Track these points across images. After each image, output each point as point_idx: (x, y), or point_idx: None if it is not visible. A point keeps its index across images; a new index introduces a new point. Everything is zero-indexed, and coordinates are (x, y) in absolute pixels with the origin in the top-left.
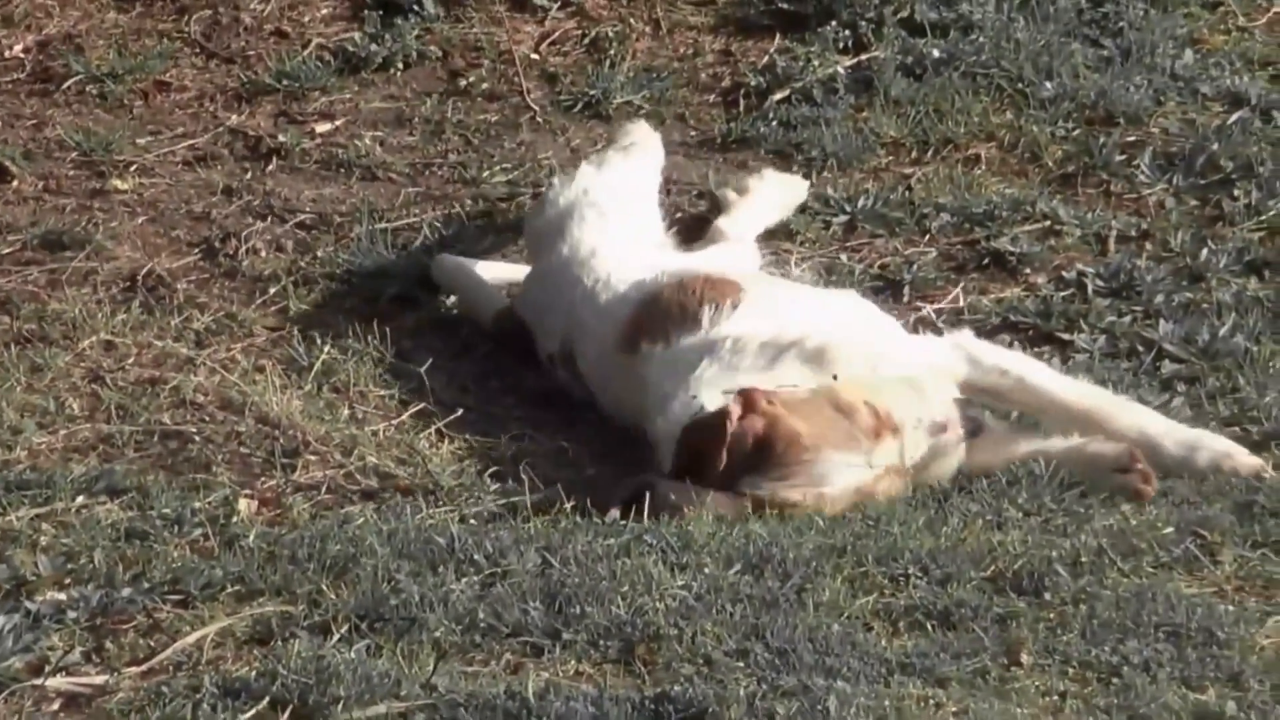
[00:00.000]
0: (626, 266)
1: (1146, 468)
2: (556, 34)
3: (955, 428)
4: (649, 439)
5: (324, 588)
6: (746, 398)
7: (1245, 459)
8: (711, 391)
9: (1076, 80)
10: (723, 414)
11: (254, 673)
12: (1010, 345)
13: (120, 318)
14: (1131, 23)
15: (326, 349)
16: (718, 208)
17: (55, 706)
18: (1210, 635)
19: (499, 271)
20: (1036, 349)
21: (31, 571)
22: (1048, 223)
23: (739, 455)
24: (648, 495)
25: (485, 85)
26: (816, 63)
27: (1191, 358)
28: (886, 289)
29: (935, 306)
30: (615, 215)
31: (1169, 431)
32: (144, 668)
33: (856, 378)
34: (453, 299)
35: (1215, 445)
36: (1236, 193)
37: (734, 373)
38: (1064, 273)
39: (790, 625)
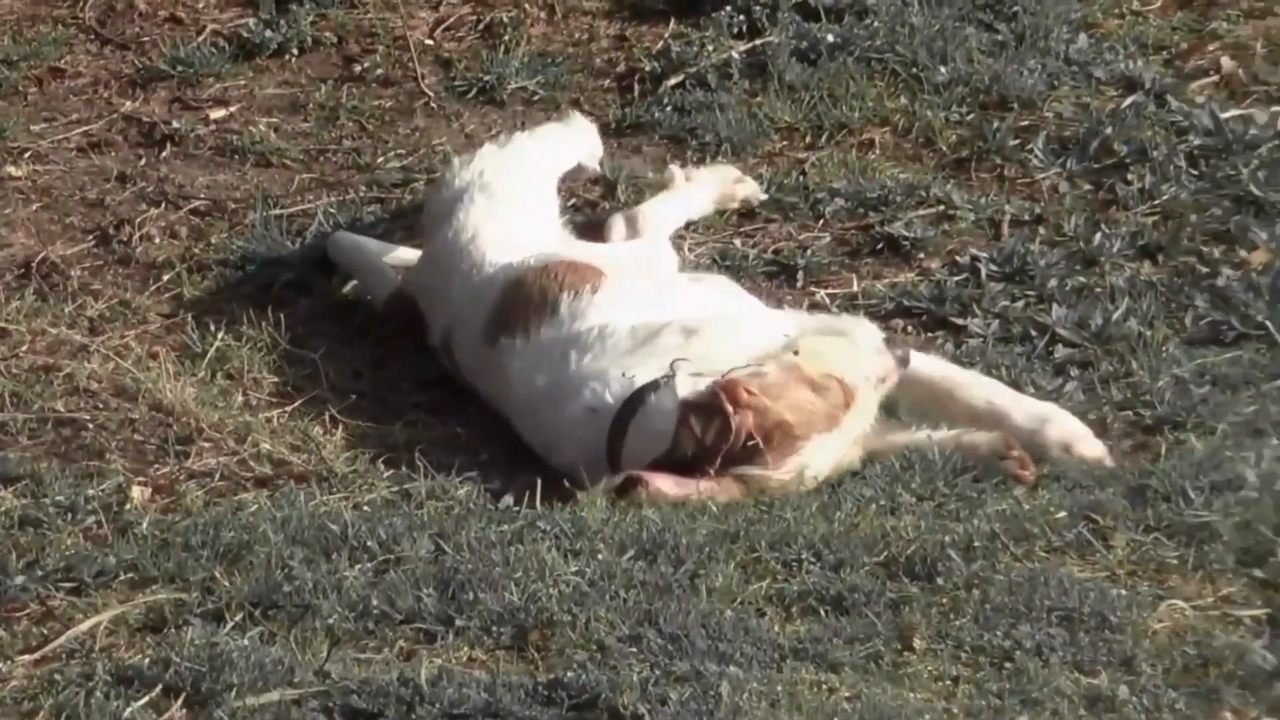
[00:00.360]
0: (503, 253)
1: (1023, 454)
2: (451, 19)
3: (893, 372)
4: (527, 431)
5: (217, 575)
6: (730, 391)
7: (1091, 444)
8: (644, 371)
9: (971, 65)
10: (722, 405)
11: (147, 660)
12: (905, 331)
13: (14, 305)
14: (1026, 7)
15: (220, 336)
16: (612, 193)
17: None
18: (1103, 620)
19: (397, 253)
20: (930, 334)
21: None
22: (942, 207)
23: (735, 449)
24: (642, 488)
25: (380, 71)
26: (711, 48)
27: (1085, 342)
28: (781, 274)
29: (830, 292)
30: (505, 200)
31: (1018, 404)
32: (37, 655)
33: (811, 348)
34: (349, 284)
35: (1065, 424)
36: (1130, 177)
37: (653, 358)
38: (958, 257)
39: (683, 611)
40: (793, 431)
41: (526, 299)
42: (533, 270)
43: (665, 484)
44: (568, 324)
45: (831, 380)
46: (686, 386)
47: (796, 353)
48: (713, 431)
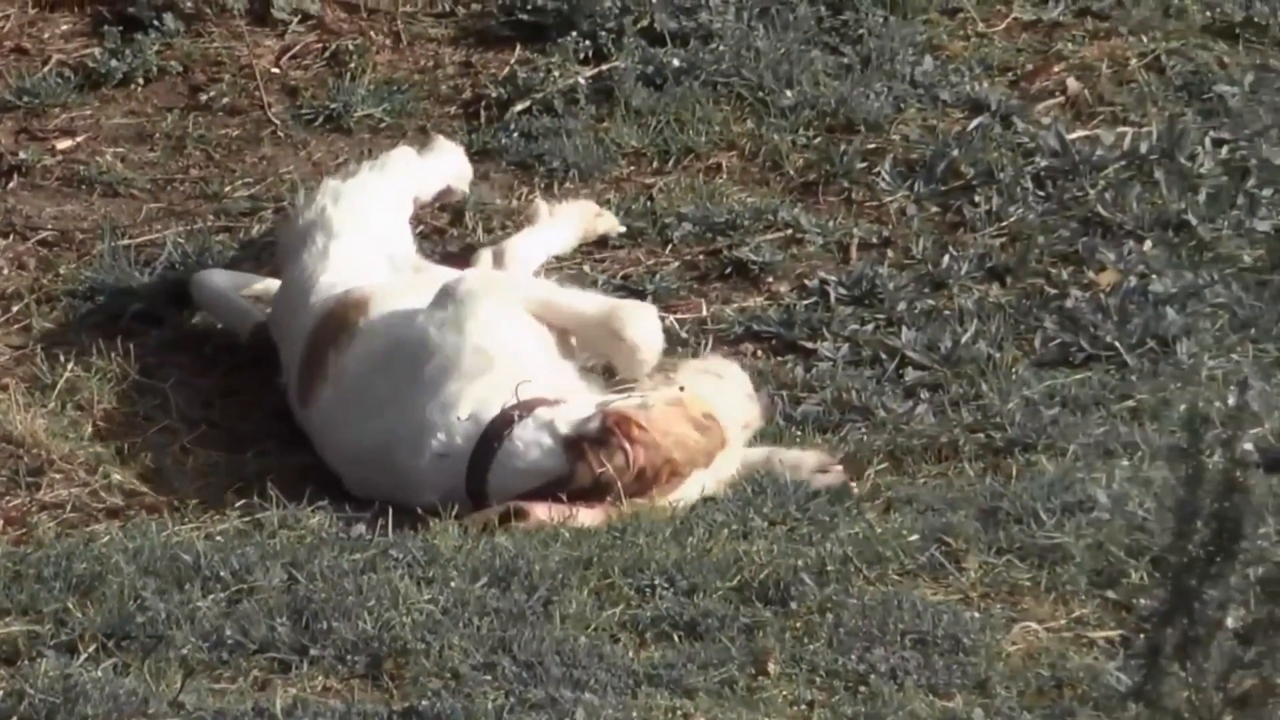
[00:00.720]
0: (331, 292)
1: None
2: (297, 48)
3: (758, 419)
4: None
5: (70, 606)
6: (624, 426)
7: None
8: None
9: (817, 88)
10: (620, 439)
11: (1, 692)
12: (754, 355)
13: None
14: (871, 30)
15: (70, 367)
16: (460, 220)
17: None
18: (956, 642)
19: (262, 285)
20: (780, 358)
21: None
22: (790, 231)
23: (625, 482)
24: (521, 517)
25: (226, 100)
26: (557, 73)
27: (934, 365)
28: (630, 299)
29: (679, 316)
30: (343, 236)
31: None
32: None
33: (696, 388)
34: (199, 314)
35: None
36: (977, 199)
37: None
38: (806, 281)
39: (537, 638)
40: (679, 469)
41: (325, 337)
42: (334, 300)
43: (543, 512)
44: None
45: (712, 421)
46: (564, 421)
47: (682, 389)
48: (614, 464)
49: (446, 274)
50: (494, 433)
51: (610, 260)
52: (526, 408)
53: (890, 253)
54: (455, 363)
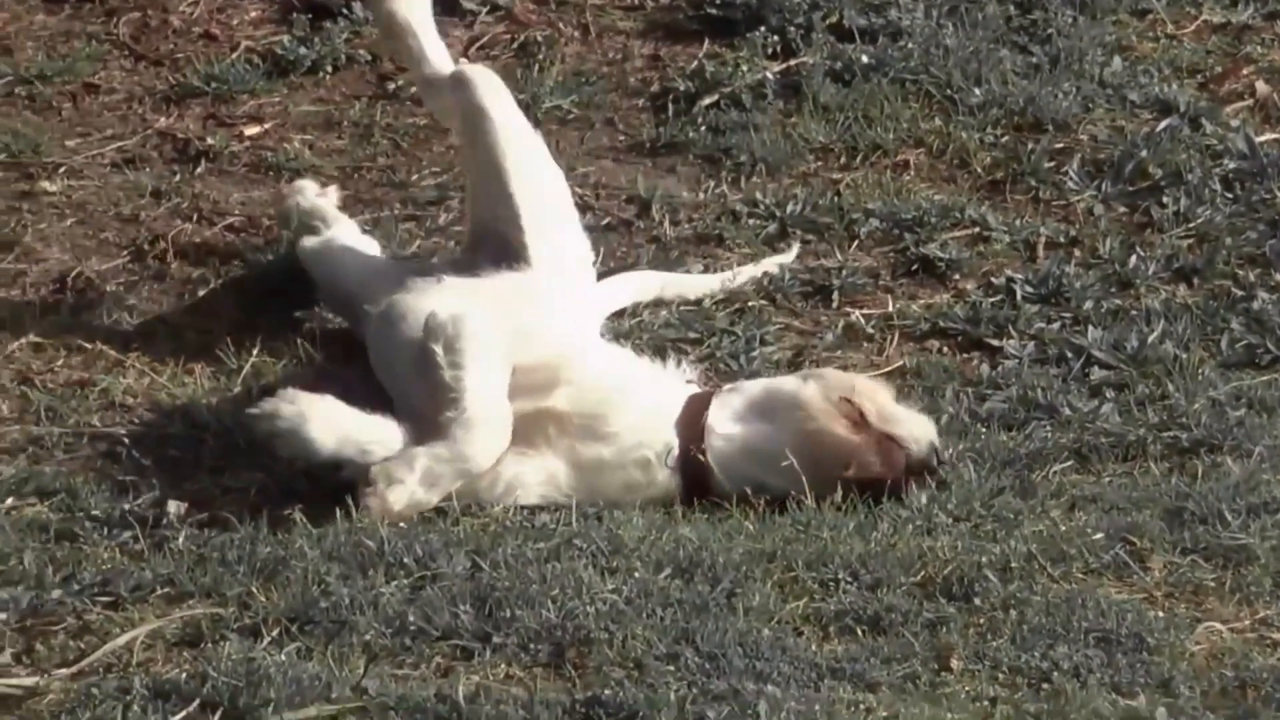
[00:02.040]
0: None
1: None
2: (485, 38)
3: None
4: None
5: (254, 590)
6: None
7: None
8: None
9: (1005, 87)
10: None
11: (184, 675)
12: (940, 351)
13: (49, 319)
14: (1060, 30)
15: (255, 352)
16: (647, 212)
17: None
18: (1140, 641)
19: None
20: (965, 355)
21: None
22: (977, 229)
23: None
24: None
25: (414, 89)
26: (745, 68)
27: (1120, 364)
28: (816, 295)
29: (865, 312)
30: None
31: None
32: (74, 669)
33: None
34: None
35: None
36: (1165, 200)
37: None
38: (993, 279)
39: (720, 630)
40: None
41: None
42: None
43: None
44: None
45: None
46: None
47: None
48: None
49: None
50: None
51: (797, 255)
52: None
53: (1077, 252)
54: None
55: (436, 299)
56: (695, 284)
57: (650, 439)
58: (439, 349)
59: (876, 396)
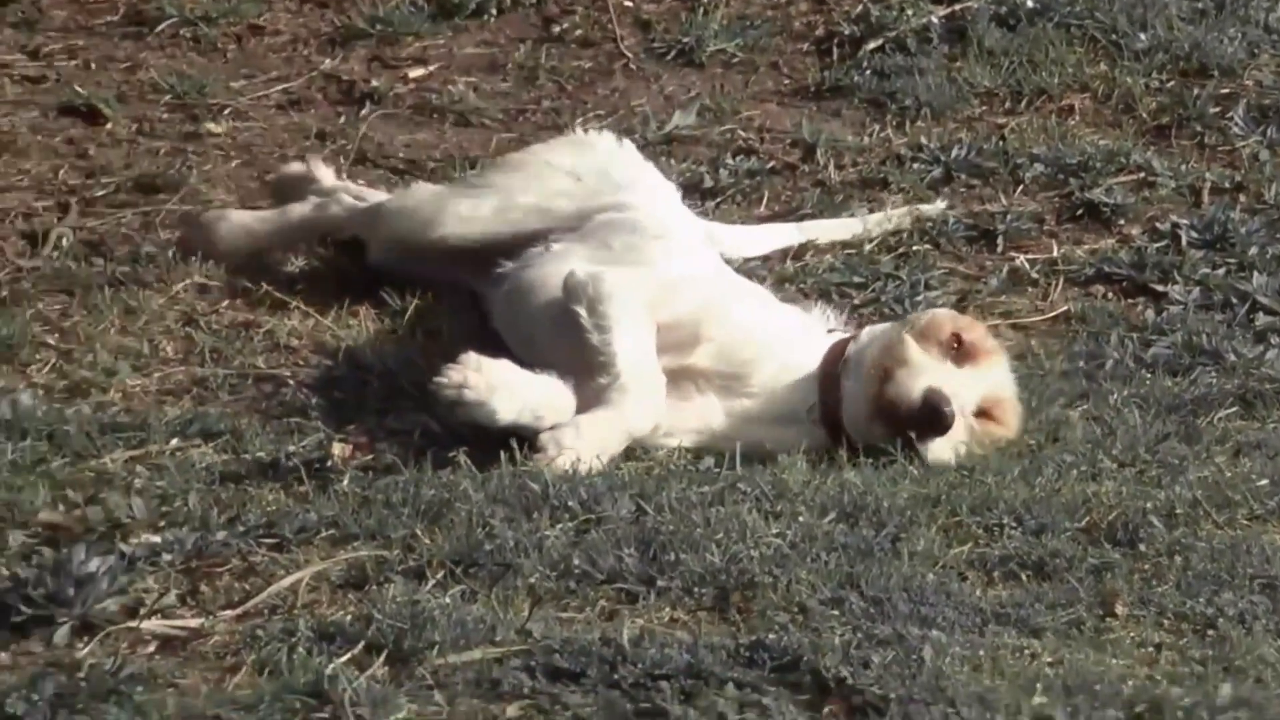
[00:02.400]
0: None
1: None
2: None
3: None
4: None
5: (418, 532)
6: None
7: None
8: None
9: (1171, 32)
10: None
11: (349, 617)
12: (1104, 297)
13: (213, 261)
14: None
15: (419, 294)
16: (811, 156)
17: (150, 649)
18: None
19: None
20: (1130, 300)
21: (126, 514)
22: (1142, 174)
23: None
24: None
25: (579, 32)
26: (910, 11)
27: None
28: (980, 239)
29: (1029, 257)
30: None
31: None
32: (239, 611)
33: None
34: None
35: None
36: None
37: None
38: (1158, 224)
39: (885, 574)
40: None
41: None
42: None
43: None
44: None
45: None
46: None
47: None
48: None
49: None
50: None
51: (962, 200)
52: None
53: (1242, 197)
54: None
55: (573, 259)
56: (833, 229)
57: (791, 395)
58: (583, 311)
59: (906, 351)
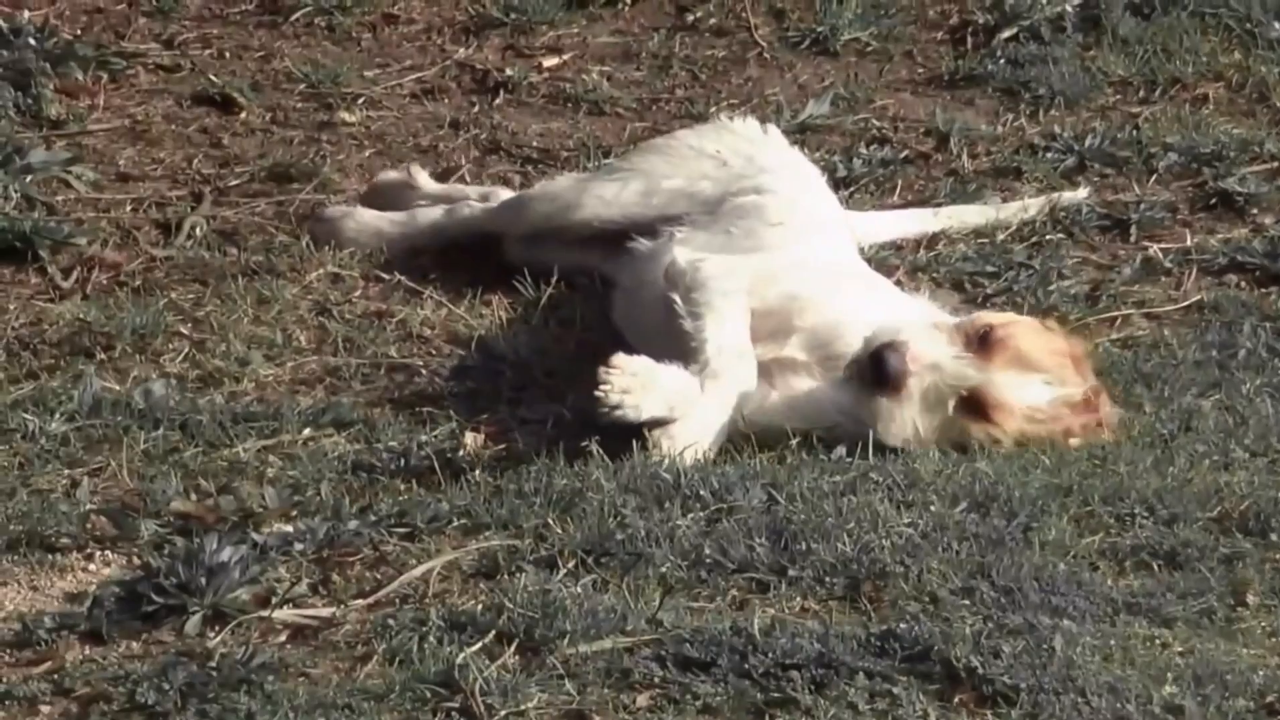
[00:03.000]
0: None
1: None
2: None
3: None
4: None
5: (550, 522)
6: None
7: None
8: None
9: None
10: None
11: (480, 606)
12: (1238, 286)
13: (347, 250)
14: None
15: (553, 283)
16: (945, 145)
17: (282, 638)
18: None
19: None
20: (1264, 289)
21: (258, 503)
22: (1276, 163)
23: None
24: None
25: (713, 20)
26: (1044, 0)
27: None
28: (1114, 229)
29: (1162, 246)
30: None
31: None
32: (370, 600)
33: None
34: None
35: None
36: None
37: None
38: None
39: (1016, 564)
40: None
41: None
42: None
43: None
44: None
45: None
46: None
47: None
48: None
49: None
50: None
51: (1095, 189)
52: None
53: None
54: None
55: (689, 246)
56: (970, 215)
57: None
58: (678, 297)
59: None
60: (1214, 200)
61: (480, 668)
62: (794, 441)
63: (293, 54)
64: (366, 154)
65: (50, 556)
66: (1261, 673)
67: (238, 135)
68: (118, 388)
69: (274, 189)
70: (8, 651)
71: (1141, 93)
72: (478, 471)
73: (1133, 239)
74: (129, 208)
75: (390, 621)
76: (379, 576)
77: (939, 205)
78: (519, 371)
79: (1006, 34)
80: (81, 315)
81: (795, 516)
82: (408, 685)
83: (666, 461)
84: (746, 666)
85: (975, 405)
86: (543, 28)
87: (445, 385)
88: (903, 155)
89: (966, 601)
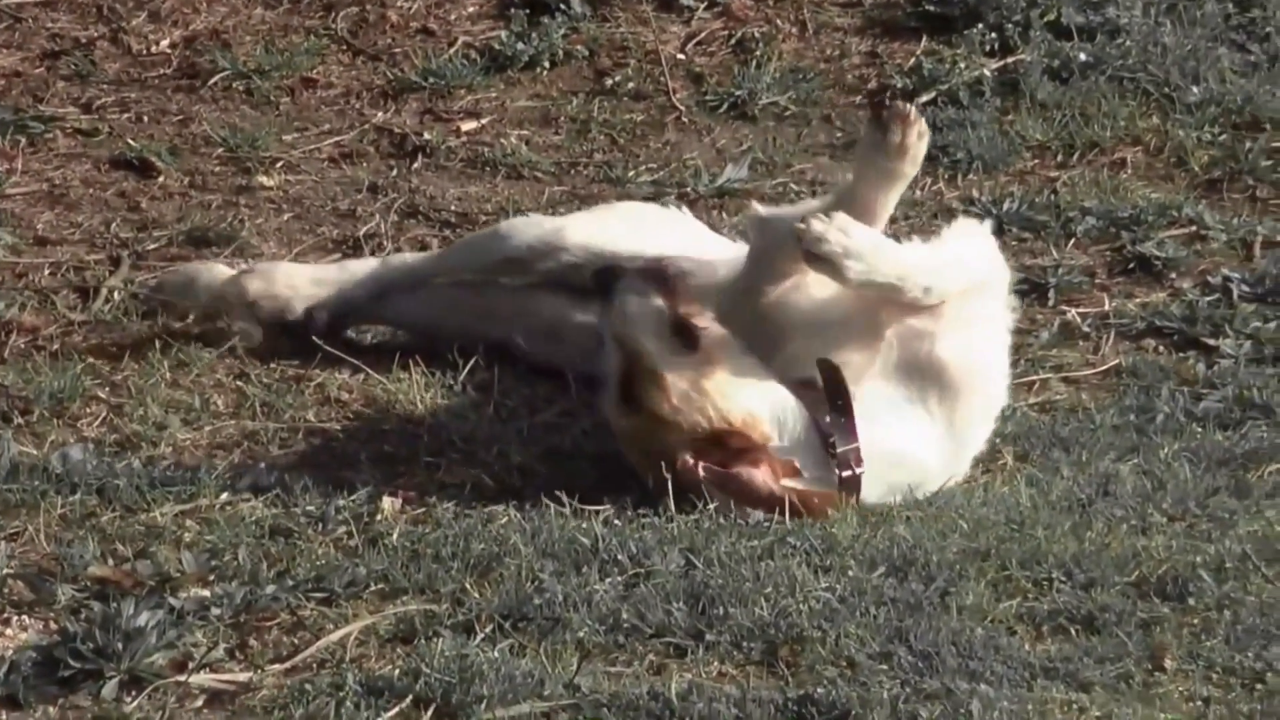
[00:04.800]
0: None
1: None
2: (703, 34)
3: None
4: None
5: (468, 586)
6: None
7: None
8: None
9: (1223, 85)
10: None
11: (397, 671)
12: (1156, 350)
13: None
14: (1279, 28)
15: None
16: None
17: (199, 703)
18: None
19: None
20: (1182, 354)
21: (176, 568)
22: (1194, 228)
23: None
24: None
25: (631, 85)
26: (963, 65)
27: None
28: (1032, 293)
29: (1080, 311)
30: None
31: None
32: (287, 665)
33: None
34: None
35: None
36: None
37: None
38: (1210, 278)
39: (934, 629)
40: None
41: None
42: None
43: None
44: None
45: None
46: None
47: None
48: None
49: None
50: None
51: (1014, 253)
52: None
53: None
54: None
55: None
56: None
57: None
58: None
59: None
60: (1132, 264)
61: None
62: (711, 506)
63: (211, 118)
64: (285, 218)
65: None
66: None
67: (156, 199)
68: (35, 452)
69: (192, 253)
70: None
71: (1060, 157)
72: (395, 536)
73: (1051, 303)
74: (47, 271)
75: (307, 686)
76: (296, 641)
77: None
78: (436, 435)
79: (925, 98)
80: None
81: (713, 581)
82: None
83: (584, 525)
84: None
85: None
86: (461, 92)
87: (363, 449)
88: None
89: (884, 666)
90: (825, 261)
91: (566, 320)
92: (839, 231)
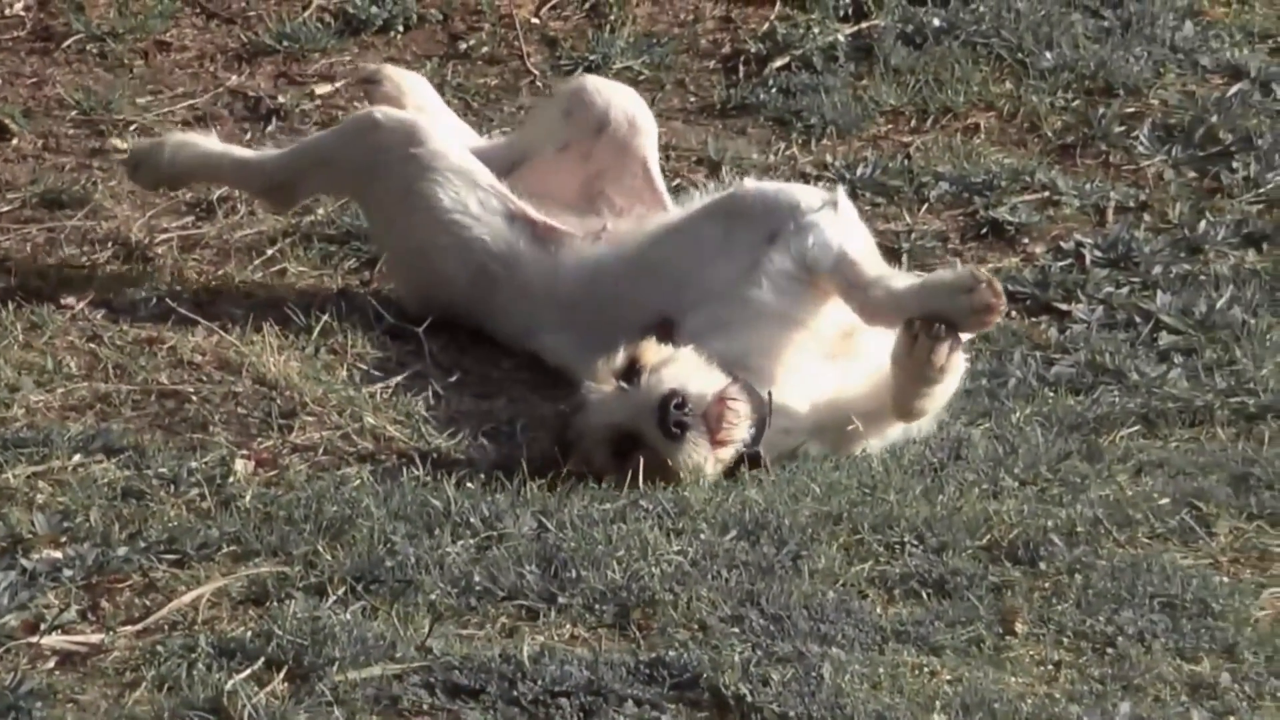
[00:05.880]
0: None
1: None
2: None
3: None
4: None
5: (320, 549)
6: None
7: None
8: None
9: (1076, 51)
10: None
11: (249, 633)
12: (1009, 315)
13: (118, 277)
14: None
15: (325, 311)
16: (717, 174)
17: (50, 664)
18: (1205, 607)
19: None
20: (1034, 319)
21: (28, 529)
22: (1046, 193)
23: None
24: None
25: (485, 49)
26: (817, 30)
27: (1189, 329)
28: (885, 258)
29: None
30: None
31: None
32: (139, 627)
33: None
34: None
35: None
36: (1235, 165)
37: None
38: (1062, 243)
39: (785, 592)
40: None
41: None
42: None
43: None
44: None
45: None
46: None
47: None
48: None
49: None
50: None
51: (867, 218)
52: None
53: (1147, 216)
54: None
55: None
56: None
57: None
58: None
59: None
60: (985, 229)
61: (249, 694)
62: (565, 469)
63: (65, 81)
64: None
65: None
66: (1029, 700)
67: (9, 161)
68: None
69: (45, 215)
70: None
71: (913, 122)
72: (248, 498)
73: (904, 267)
74: None
75: (159, 648)
76: (148, 603)
77: None
78: (289, 398)
79: (779, 63)
80: None
81: (565, 544)
82: (176, 712)
83: (437, 489)
84: (515, 694)
85: None
86: (315, 55)
87: (216, 412)
88: (675, 184)
89: (735, 629)
90: None
91: None
92: None
